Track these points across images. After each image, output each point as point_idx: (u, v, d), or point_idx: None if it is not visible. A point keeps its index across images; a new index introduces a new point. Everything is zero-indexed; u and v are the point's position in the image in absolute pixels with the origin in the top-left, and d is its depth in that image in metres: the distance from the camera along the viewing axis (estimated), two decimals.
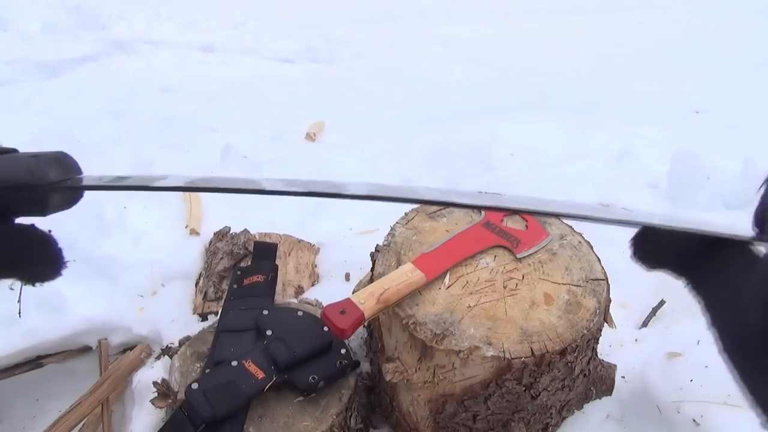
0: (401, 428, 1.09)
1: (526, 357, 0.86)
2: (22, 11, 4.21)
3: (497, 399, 0.92)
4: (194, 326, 1.34)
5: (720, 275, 0.38)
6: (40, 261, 0.41)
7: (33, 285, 0.42)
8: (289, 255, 1.54)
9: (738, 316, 0.33)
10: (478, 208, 1.11)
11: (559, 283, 0.97)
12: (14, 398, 1.38)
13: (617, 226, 0.41)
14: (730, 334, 0.35)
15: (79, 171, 0.42)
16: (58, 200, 0.40)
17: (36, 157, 0.39)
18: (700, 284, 0.39)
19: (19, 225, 0.40)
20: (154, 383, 1.06)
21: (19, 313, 1.33)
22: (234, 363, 1.01)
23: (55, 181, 0.39)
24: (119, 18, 4.23)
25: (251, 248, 1.43)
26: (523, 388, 0.91)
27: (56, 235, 0.41)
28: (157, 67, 3.61)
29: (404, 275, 0.93)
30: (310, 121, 2.61)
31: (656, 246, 0.42)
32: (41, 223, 0.40)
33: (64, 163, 0.41)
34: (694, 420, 1.07)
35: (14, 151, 0.41)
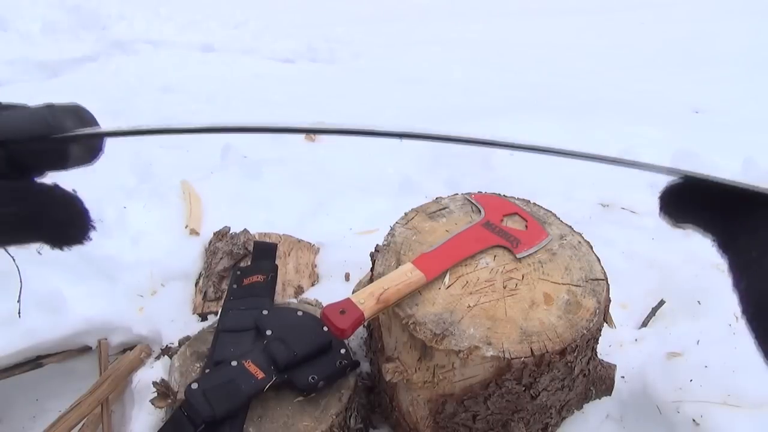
0: (401, 428, 1.09)
1: (525, 357, 0.86)
2: (22, 11, 4.21)
3: (497, 399, 0.92)
4: (194, 326, 1.34)
5: (753, 234, 0.36)
6: (66, 221, 0.38)
7: (61, 248, 0.39)
8: (289, 255, 1.54)
9: (765, 280, 0.32)
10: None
11: (558, 283, 0.97)
12: (14, 398, 1.38)
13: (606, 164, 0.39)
14: (757, 293, 0.33)
15: (95, 123, 0.40)
16: (77, 151, 0.39)
17: (50, 107, 0.38)
18: (729, 242, 0.37)
19: (42, 183, 0.38)
20: (154, 383, 1.06)
21: (19, 313, 1.33)
22: (234, 363, 1.01)
23: (73, 131, 0.38)
24: (119, 18, 4.23)
25: (251, 248, 1.43)
26: (523, 388, 0.91)
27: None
28: (157, 67, 3.61)
29: (404, 275, 0.93)
30: (310, 121, 2.61)
31: (688, 199, 0.40)
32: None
33: (80, 114, 0.39)
34: (693, 420, 1.07)
35: (24, 106, 0.39)
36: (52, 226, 0.38)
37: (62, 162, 0.38)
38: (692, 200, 0.40)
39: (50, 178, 0.40)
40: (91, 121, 0.40)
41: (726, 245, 0.37)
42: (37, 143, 0.37)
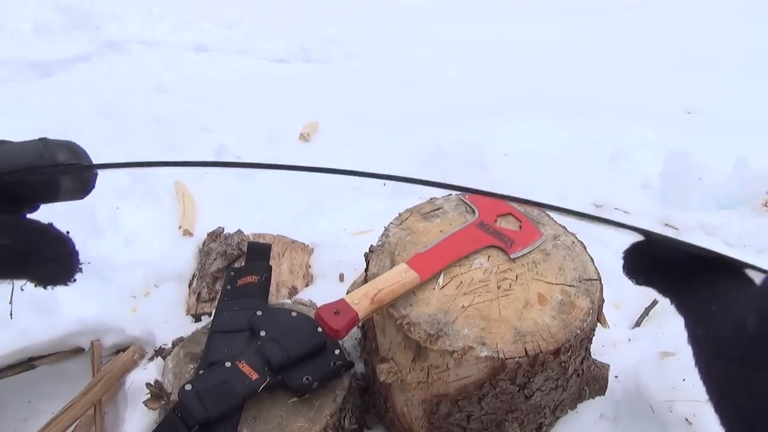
0: (395, 429, 1.09)
1: (519, 357, 0.86)
2: (14, 11, 4.19)
3: (491, 399, 0.92)
4: (187, 327, 1.33)
5: (711, 289, 0.37)
6: (54, 261, 0.38)
7: (44, 287, 0.39)
8: (283, 255, 1.54)
9: (726, 325, 0.33)
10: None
11: (552, 284, 0.98)
12: (6, 400, 1.37)
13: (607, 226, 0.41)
14: (714, 342, 0.34)
15: (88, 159, 0.40)
16: (69, 184, 0.39)
17: (43, 140, 0.38)
18: (688, 298, 0.39)
19: (36, 221, 0.38)
20: (147, 384, 1.06)
21: (11, 314, 1.32)
22: (227, 364, 1.00)
23: (65, 163, 0.38)
24: (112, 18, 4.21)
25: (245, 249, 1.43)
26: (517, 388, 0.91)
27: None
28: (150, 67, 3.60)
29: (398, 276, 0.93)
30: (304, 122, 2.60)
31: (648, 261, 0.42)
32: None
33: (72, 148, 0.40)
34: (686, 419, 1.08)
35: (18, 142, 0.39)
36: (40, 264, 0.38)
37: (53, 195, 0.38)
38: (653, 260, 0.42)
39: (47, 215, 0.40)
40: (83, 156, 0.40)
41: (685, 301, 0.39)
42: (28, 176, 0.37)
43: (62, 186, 0.39)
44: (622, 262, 0.43)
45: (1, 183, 0.36)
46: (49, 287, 0.40)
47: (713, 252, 0.38)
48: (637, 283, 0.43)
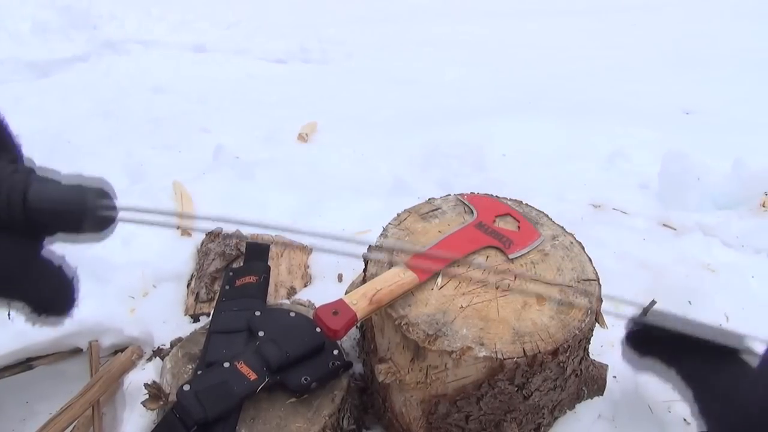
0: (394, 429, 1.09)
1: (518, 357, 0.86)
2: (11, 11, 4.18)
3: (490, 399, 0.92)
4: (186, 327, 1.33)
5: (711, 376, 0.39)
6: (56, 293, 0.40)
7: (38, 314, 0.40)
8: (282, 256, 1.54)
9: (731, 415, 0.34)
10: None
11: (551, 284, 0.98)
12: (4, 400, 1.37)
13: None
14: (730, 419, 0.36)
15: (115, 196, 0.42)
16: (92, 222, 0.40)
17: (80, 177, 0.40)
18: (695, 376, 0.40)
19: (52, 253, 0.40)
20: (146, 385, 1.06)
21: (9, 314, 1.31)
22: (226, 364, 1.00)
23: (94, 207, 0.40)
24: (110, 18, 4.21)
25: (243, 249, 1.43)
26: (516, 389, 0.92)
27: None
28: (148, 67, 3.60)
29: (397, 276, 0.93)
30: (303, 122, 2.60)
31: (650, 341, 0.43)
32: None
33: (103, 189, 0.41)
34: (684, 419, 1.08)
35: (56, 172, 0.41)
36: (43, 294, 0.40)
37: (77, 228, 0.40)
38: (651, 343, 0.43)
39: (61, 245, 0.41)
40: (112, 195, 0.42)
41: (687, 380, 0.41)
42: (60, 213, 0.39)
43: (86, 223, 0.40)
44: (621, 348, 0.44)
45: (30, 212, 0.38)
46: (44, 315, 0.41)
47: (707, 328, 0.39)
48: (636, 370, 0.44)
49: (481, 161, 2.18)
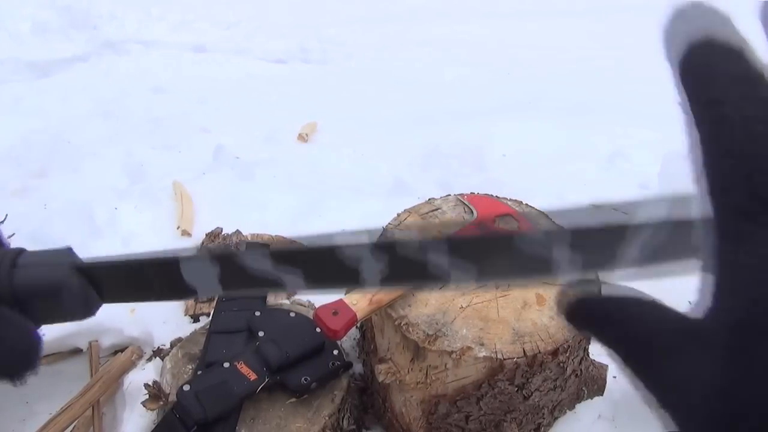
0: (394, 429, 1.09)
1: (518, 357, 0.86)
2: (11, 11, 4.18)
3: (489, 399, 0.92)
4: (186, 328, 1.33)
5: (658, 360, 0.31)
6: (15, 356, 0.37)
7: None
8: None
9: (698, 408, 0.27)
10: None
11: (550, 284, 0.98)
12: (4, 401, 1.37)
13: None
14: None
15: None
16: (73, 302, 0.39)
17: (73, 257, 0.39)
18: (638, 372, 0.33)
19: (17, 316, 0.38)
20: (146, 385, 1.06)
21: None
22: (226, 364, 1.00)
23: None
24: (110, 18, 4.20)
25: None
26: (516, 389, 0.92)
27: (46, 236, 0.39)
28: (148, 67, 3.60)
29: None
30: (303, 122, 2.60)
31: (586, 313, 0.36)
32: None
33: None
34: None
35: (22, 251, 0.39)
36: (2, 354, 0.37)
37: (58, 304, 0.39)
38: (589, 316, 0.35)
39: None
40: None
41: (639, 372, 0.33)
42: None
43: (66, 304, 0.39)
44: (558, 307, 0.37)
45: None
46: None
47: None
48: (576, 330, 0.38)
49: (481, 161, 2.18)
